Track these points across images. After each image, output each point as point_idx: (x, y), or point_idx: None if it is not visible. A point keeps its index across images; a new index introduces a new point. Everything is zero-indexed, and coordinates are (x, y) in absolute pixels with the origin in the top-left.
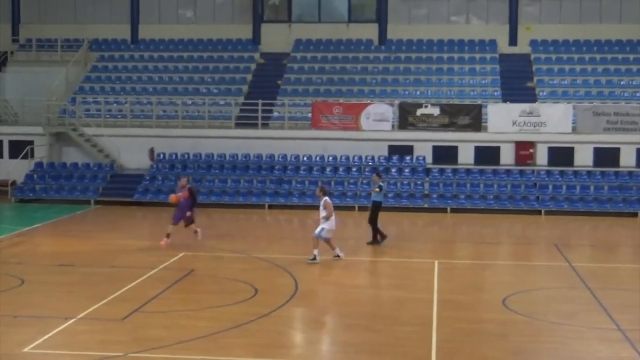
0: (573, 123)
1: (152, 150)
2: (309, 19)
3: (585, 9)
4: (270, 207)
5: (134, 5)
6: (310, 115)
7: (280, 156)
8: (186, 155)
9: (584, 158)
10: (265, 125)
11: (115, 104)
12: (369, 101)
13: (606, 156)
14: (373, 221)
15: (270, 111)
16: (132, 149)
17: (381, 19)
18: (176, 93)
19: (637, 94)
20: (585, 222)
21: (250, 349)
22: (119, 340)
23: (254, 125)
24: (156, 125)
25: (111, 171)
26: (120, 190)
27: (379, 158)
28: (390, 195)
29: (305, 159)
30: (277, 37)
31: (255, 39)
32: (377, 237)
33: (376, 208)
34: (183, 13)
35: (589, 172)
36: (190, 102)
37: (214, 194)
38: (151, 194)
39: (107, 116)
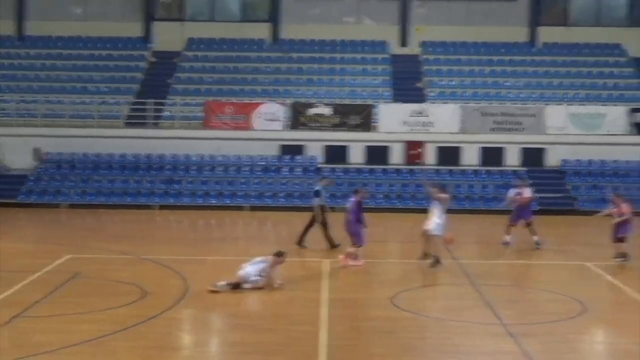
0: (460, 123)
1: (37, 150)
2: (201, 18)
3: (473, 11)
4: (161, 207)
5: (21, 0)
6: (202, 114)
7: (171, 156)
8: (74, 155)
9: (470, 157)
10: (156, 125)
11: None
12: (261, 101)
13: (492, 155)
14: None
15: (162, 110)
16: (17, 149)
17: (274, 18)
18: (64, 92)
19: (522, 95)
20: (471, 220)
21: (139, 351)
22: None
23: (145, 125)
24: (42, 124)
25: None
26: (3, 191)
27: (270, 158)
28: (281, 195)
29: (196, 158)
30: (169, 36)
31: (147, 37)
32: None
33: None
34: (72, 10)
35: (475, 171)
36: (79, 101)
37: (102, 194)
38: (36, 195)
39: None
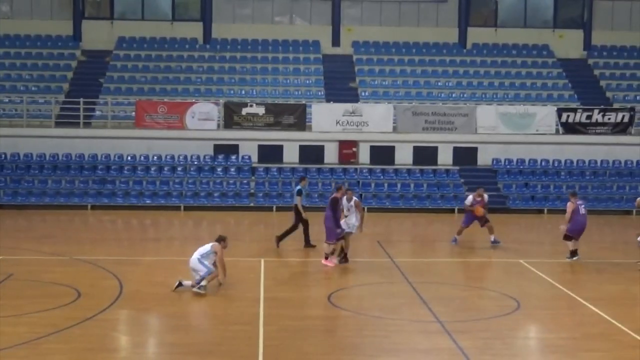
0: (394, 123)
1: None
2: (132, 17)
3: (404, 12)
4: (93, 207)
5: None
6: (134, 114)
7: (103, 156)
8: (3, 155)
9: (404, 157)
10: (87, 124)
11: None
12: (194, 100)
13: (425, 155)
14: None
15: (93, 110)
16: None
17: (205, 17)
18: None
19: (453, 95)
20: (405, 219)
21: (73, 354)
22: None
23: (76, 124)
24: None
25: None
26: None
27: (204, 157)
28: (216, 194)
29: (129, 158)
30: (99, 34)
31: (76, 36)
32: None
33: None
34: None
35: (408, 170)
36: (7, 99)
37: (33, 195)
38: None
39: None
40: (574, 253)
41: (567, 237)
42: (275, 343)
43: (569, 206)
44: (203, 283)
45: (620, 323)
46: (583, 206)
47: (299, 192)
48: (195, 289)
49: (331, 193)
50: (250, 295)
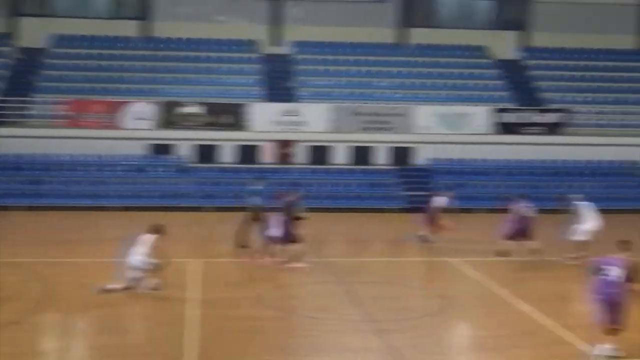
0: (332, 123)
1: None
2: (68, 14)
3: (344, 12)
4: (30, 208)
5: None
6: (69, 113)
7: (39, 155)
8: None
9: (341, 156)
10: (21, 124)
11: None
12: (131, 99)
13: (362, 154)
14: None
15: (27, 109)
16: None
17: (144, 16)
18: None
19: (391, 95)
20: (341, 219)
21: (0, 358)
22: None
23: (10, 124)
24: None
25: None
26: None
27: (141, 157)
28: (152, 194)
29: (66, 158)
30: (34, 32)
31: (11, 33)
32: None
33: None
34: None
35: (346, 170)
36: None
37: None
38: None
39: None
40: (505, 253)
41: (508, 237)
42: (207, 344)
43: (514, 207)
44: (153, 282)
45: (548, 320)
46: (528, 207)
47: (258, 192)
48: (147, 290)
49: (285, 195)
50: (182, 296)
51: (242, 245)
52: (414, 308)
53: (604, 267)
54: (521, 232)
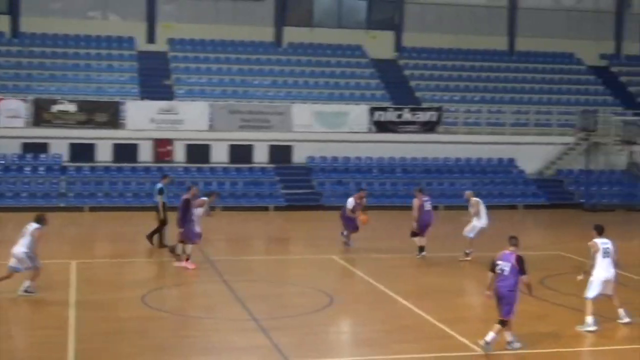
0: (209, 121)
1: None
2: None
3: (221, 10)
4: None
5: None
6: None
7: None
8: None
9: (220, 155)
10: None
11: None
12: (0, 97)
13: (241, 153)
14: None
15: None
16: None
17: (13, 10)
18: None
19: (269, 94)
20: (221, 217)
21: None
22: None
23: None
24: None
25: None
26: None
27: (12, 156)
28: (23, 195)
29: None
30: None
31: None
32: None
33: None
34: None
35: (224, 169)
36: None
37: None
38: None
39: None
40: (421, 249)
41: (413, 234)
42: (88, 346)
43: (415, 202)
44: (27, 284)
45: (429, 315)
46: (429, 202)
47: (161, 191)
48: (21, 293)
49: (185, 194)
50: (60, 298)
51: (163, 245)
52: (298, 305)
53: (499, 262)
54: (424, 228)
